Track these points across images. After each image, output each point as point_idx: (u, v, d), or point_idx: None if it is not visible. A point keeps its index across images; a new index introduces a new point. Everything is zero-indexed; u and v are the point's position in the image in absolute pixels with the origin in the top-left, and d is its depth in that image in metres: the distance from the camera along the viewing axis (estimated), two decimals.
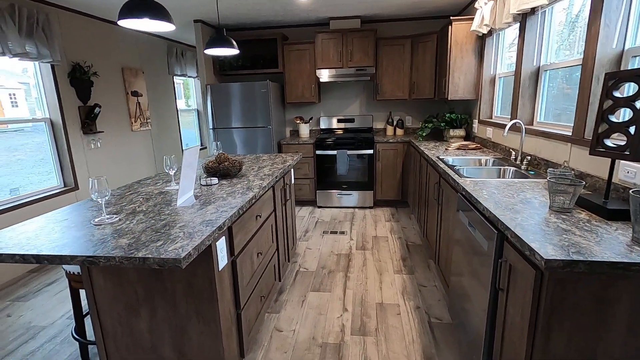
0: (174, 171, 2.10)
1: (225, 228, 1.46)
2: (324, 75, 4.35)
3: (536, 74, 2.54)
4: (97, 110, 3.76)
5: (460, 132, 3.70)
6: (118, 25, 4.22)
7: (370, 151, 4.28)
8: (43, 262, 1.19)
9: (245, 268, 1.77)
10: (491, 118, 3.47)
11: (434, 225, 2.74)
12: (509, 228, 1.28)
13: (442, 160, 2.69)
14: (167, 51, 5.31)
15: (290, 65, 4.46)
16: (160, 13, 1.64)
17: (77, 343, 2.03)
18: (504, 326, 1.37)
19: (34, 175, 3.40)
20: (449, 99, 3.53)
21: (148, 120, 4.82)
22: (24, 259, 1.20)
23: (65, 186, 3.60)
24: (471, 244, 1.74)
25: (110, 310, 1.57)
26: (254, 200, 1.82)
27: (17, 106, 3.44)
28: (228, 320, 1.58)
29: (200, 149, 6.13)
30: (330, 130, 4.84)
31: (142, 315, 1.54)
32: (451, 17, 3.41)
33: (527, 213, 1.43)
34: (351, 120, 4.78)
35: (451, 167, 2.41)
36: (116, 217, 1.52)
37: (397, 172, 4.33)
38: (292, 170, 2.90)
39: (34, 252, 1.20)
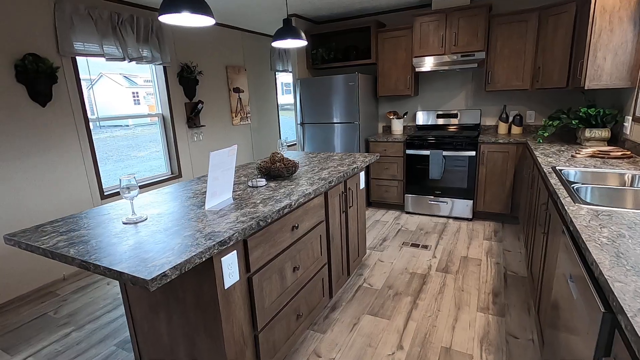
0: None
1: (232, 243, 1.30)
2: (422, 64, 3.81)
3: None
4: (199, 106, 4.13)
5: (603, 132, 2.73)
6: (224, 26, 4.54)
7: (472, 153, 3.58)
8: (55, 259, 1.23)
9: (269, 285, 1.59)
10: None
11: (538, 257, 2.06)
12: (624, 311, 0.75)
13: (558, 172, 1.97)
14: (271, 48, 5.52)
15: (384, 54, 4.07)
16: (200, 7, 1.56)
17: None
18: None
19: (150, 161, 3.95)
20: (585, 87, 2.62)
21: (248, 115, 5.11)
22: (44, 253, 1.26)
23: (171, 174, 4.08)
24: (569, 307, 1.16)
25: (139, 307, 1.60)
26: (285, 210, 1.61)
27: (150, 103, 4.02)
28: (239, 342, 1.43)
29: (292, 145, 6.27)
30: (428, 127, 4.26)
31: (161, 318, 1.52)
32: None
33: None
34: (454, 116, 4.10)
35: (568, 183, 1.73)
36: (144, 217, 1.52)
37: (507, 179, 3.51)
38: (361, 174, 2.59)
39: (52, 248, 1.26)
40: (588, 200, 1.58)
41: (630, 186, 1.85)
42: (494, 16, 3.46)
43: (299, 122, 4.32)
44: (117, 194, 3.40)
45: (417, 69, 3.87)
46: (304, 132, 4.32)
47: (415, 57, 3.83)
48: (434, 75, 4.20)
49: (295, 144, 6.33)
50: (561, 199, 1.51)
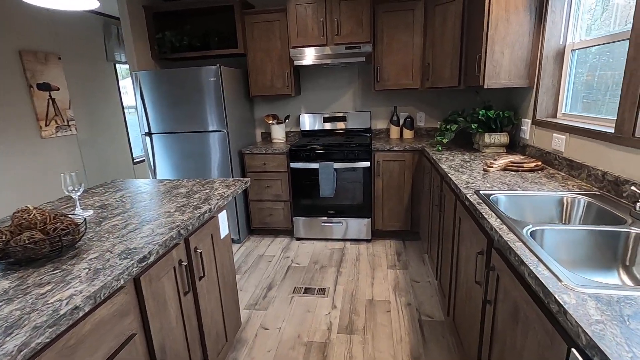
0: None
1: None
2: (302, 56, 3.09)
3: None
4: None
5: (502, 138, 2.43)
6: None
7: (367, 163, 3.02)
8: None
9: None
10: (555, 117, 2.19)
11: (472, 310, 1.50)
12: None
13: (486, 198, 1.43)
14: (104, 31, 4.09)
15: (254, 43, 3.21)
16: None
17: None
18: None
19: None
20: (485, 86, 2.25)
21: (71, 123, 3.63)
22: None
23: None
24: None
25: None
26: None
27: None
28: None
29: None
30: (314, 133, 3.59)
31: None
32: None
33: None
34: (342, 119, 3.52)
35: (514, 224, 1.16)
36: None
37: (405, 191, 3.07)
38: (220, 216, 1.68)
39: None
40: (565, 269, 1.02)
41: (580, 223, 1.42)
42: (379, 3, 2.94)
43: (143, 132, 3.13)
44: None
45: (296, 63, 3.13)
46: (152, 146, 3.16)
47: (293, 47, 3.08)
48: (317, 71, 3.54)
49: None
50: (535, 273, 0.90)
